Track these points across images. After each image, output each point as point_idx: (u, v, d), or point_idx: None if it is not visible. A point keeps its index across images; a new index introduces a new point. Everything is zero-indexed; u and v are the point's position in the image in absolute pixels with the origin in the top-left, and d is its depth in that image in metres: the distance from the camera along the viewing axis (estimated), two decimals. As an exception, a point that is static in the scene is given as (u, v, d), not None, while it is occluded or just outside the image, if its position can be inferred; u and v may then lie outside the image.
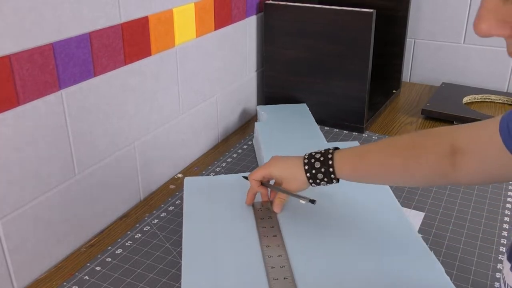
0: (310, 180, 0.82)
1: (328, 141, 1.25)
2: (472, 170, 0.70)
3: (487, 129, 0.68)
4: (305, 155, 0.84)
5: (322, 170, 0.80)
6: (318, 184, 0.83)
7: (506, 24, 0.41)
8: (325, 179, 0.81)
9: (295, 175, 0.84)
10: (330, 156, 0.80)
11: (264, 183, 0.90)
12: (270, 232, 0.84)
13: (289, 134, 1.19)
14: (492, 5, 0.41)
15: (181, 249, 0.87)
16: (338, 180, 0.82)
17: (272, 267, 0.76)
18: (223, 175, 1.09)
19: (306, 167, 0.82)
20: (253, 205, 0.92)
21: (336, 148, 0.83)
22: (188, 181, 1.01)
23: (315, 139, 1.17)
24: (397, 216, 0.90)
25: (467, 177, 0.72)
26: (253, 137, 1.27)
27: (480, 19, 0.42)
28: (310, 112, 1.30)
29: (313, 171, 0.81)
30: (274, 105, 1.34)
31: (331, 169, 0.80)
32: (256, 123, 1.24)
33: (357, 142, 1.15)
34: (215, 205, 0.93)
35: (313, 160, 0.81)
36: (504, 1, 0.41)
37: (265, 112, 1.29)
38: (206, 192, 0.97)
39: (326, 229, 0.86)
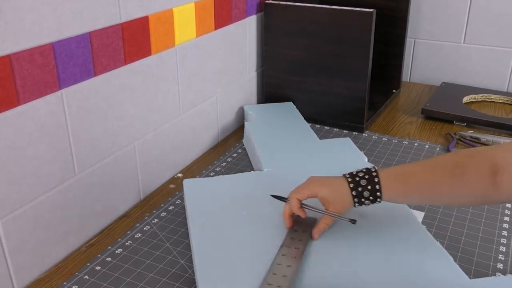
0: (355, 199, 0.80)
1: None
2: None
3: None
4: (345, 174, 0.82)
5: (369, 187, 0.79)
6: (362, 203, 0.81)
7: None
8: (370, 198, 0.80)
9: (341, 194, 0.81)
10: (375, 174, 0.80)
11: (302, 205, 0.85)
12: (294, 244, 0.82)
13: (281, 132, 1.20)
14: None
15: (181, 248, 0.88)
16: (380, 201, 0.81)
17: (274, 274, 0.75)
18: (222, 175, 1.09)
19: (352, 185, 0.80)
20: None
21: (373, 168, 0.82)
22: (188, 183, 0.99)
23: (307, 137, 1.18)
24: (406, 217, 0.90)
25: (509, 195, 0.73)
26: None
27: None
28: (298, 110, 1.32)
29: (359, 188, 0.79)
30: (260, 104, 1.36)
31: (377, 186, 0.79)
32: (246, 123, 1.25)
33: (348, 138, 1.16)
34: (221, 209, 0.91)
35: (357, 179, 0.80)
36: None
37: (253, 112, 1.30)
38: (208, 195, 0.95)
39: (355, 252, 0.83)
